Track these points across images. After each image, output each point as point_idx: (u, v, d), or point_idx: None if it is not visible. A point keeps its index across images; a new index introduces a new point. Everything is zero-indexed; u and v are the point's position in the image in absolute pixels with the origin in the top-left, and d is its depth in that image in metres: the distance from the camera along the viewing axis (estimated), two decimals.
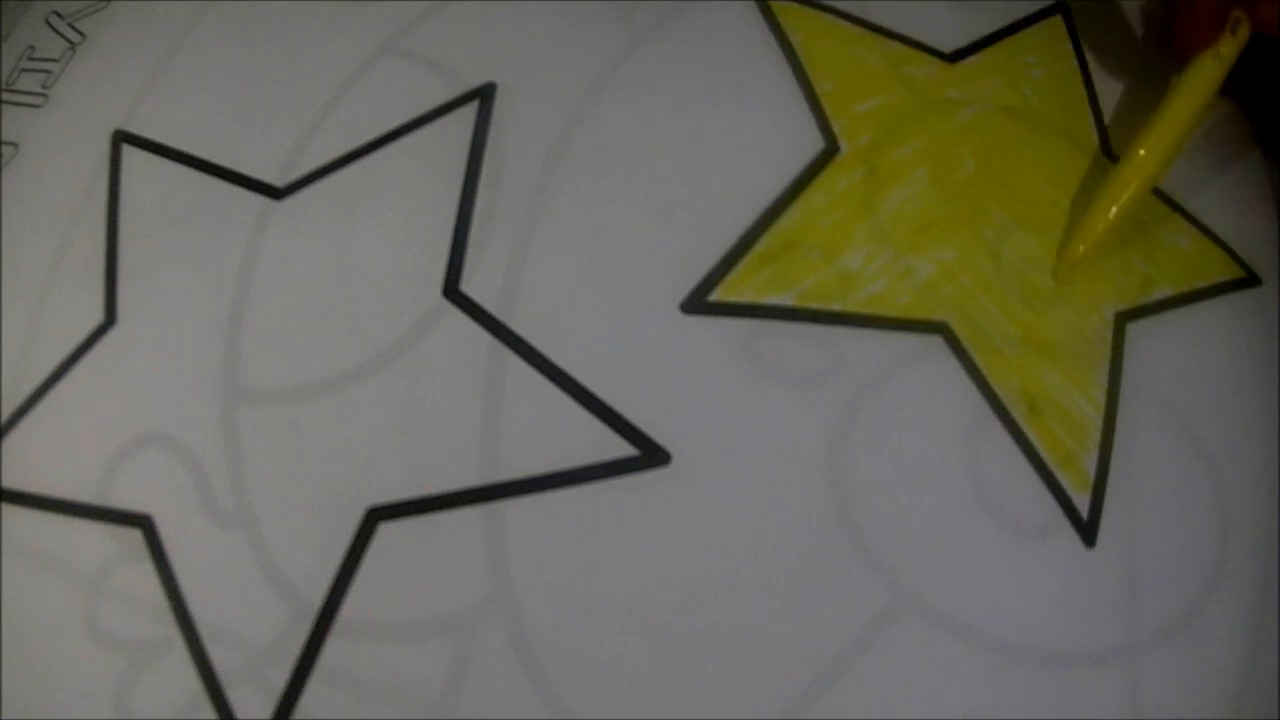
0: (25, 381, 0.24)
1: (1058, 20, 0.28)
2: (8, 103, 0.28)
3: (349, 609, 0.21)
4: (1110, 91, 0.27)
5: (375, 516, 0.22)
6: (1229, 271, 0.26)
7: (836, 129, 0.24)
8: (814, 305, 0.23)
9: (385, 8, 0.26)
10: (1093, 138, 0.26)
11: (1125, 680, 0.22)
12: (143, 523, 0.22)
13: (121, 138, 0.26)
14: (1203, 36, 0.25)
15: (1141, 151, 0.24)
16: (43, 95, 0.27)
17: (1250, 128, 0.28)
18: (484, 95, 0.24)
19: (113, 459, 0.23)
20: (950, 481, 0.22)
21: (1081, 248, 0.24)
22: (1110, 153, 0.26)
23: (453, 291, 0.23)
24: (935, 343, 0.23)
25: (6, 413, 0.24)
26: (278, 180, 0.24)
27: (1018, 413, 0.22)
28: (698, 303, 0.22)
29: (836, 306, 0.23)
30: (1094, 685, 0.21)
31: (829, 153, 0.24)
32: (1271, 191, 0.28)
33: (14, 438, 0.24)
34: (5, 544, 0.23)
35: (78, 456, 0.23)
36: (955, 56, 0.26)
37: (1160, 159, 0.24)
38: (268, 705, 0.21)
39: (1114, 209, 0.24)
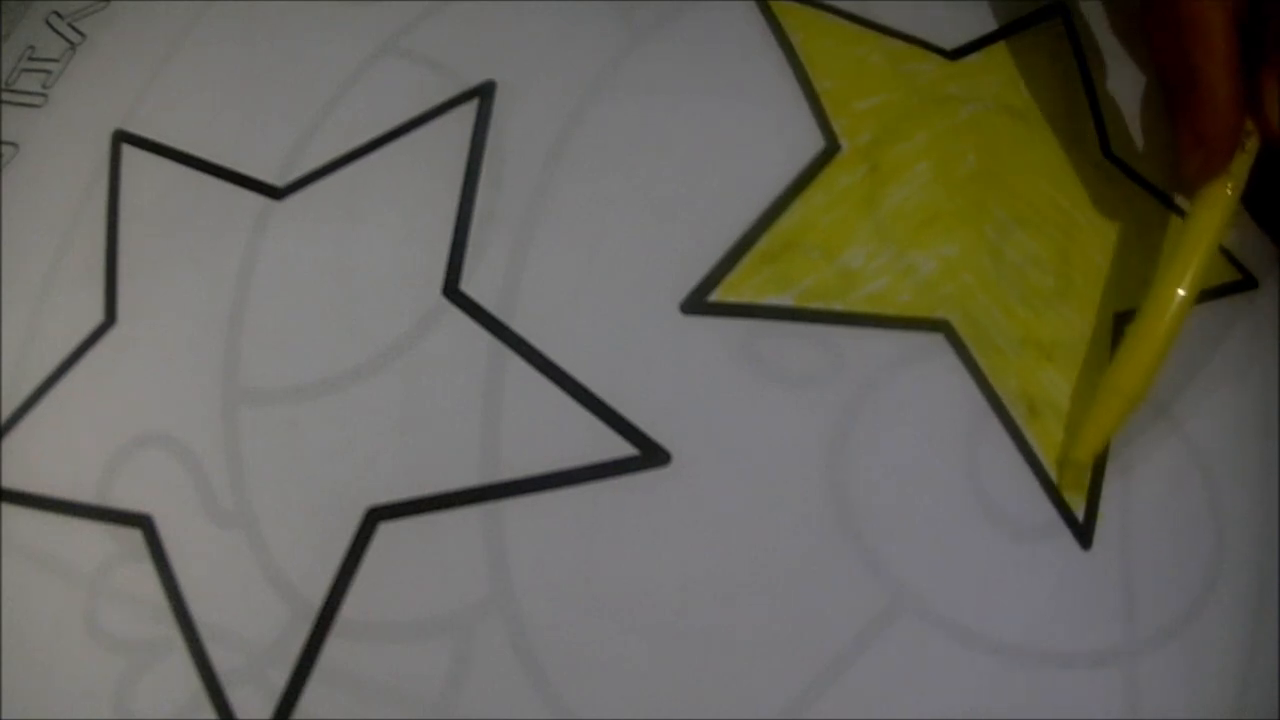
0: (25, 381, 0.24)
1: (1058, 20, 0.28)
2: (8, 103, 0.28)
3: (349, 609, 0.21)
4: (1110, 91, 0.27)
5: (375, 516, 0.22)
6: (1226, 274, 0.26)
7: (837, 128, 0.24)
8: (814, 305, 0.23)
9: (385, 8, 0.26)
10: (1093, 138, 0.26)
11: (1124, 680, 0.22)
12: (143, 523, 0.23)
13: (121, 138, 0.26)
14: (1215, 168, 0.23)
15: (1154, 320, 0.22)
16: (43, 95, 0.27)
17: None
18: (483, 94, 0.24)
19: (113, 459, 0.23)
20: (950, 482, 0.22)
21: (1093, 452, 0.22)
22: (1110, 153, 0.26)
23: (453, 291, 0.23)
24: (937, 341, 0.23)
25: (6, 413, 0.24)
26: (278, 180, 0.24)
27: (1017, 414, 0.22)
28: (698, 303, 0.22)
29: (837, 306, 0.23)
30: (1092, 686, 0.21)
31: (829, 151, 0.24)
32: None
33: (14, 438, 0.24)
34: (5, 544, 0.23)
35: (78, 456, 0.23)
36: (956, 54, 0.26)
37: (1176, 321, 0.22)
38: (268, 705, 0.21)
39: (1132, 389, 0.22)
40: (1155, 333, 0.22)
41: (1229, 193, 0.23)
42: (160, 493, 0.23)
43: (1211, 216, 0.23)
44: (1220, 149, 0.23)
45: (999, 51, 0.27)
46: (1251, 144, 0.23)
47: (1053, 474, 0.22)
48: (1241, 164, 0.23)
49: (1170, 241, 0.23)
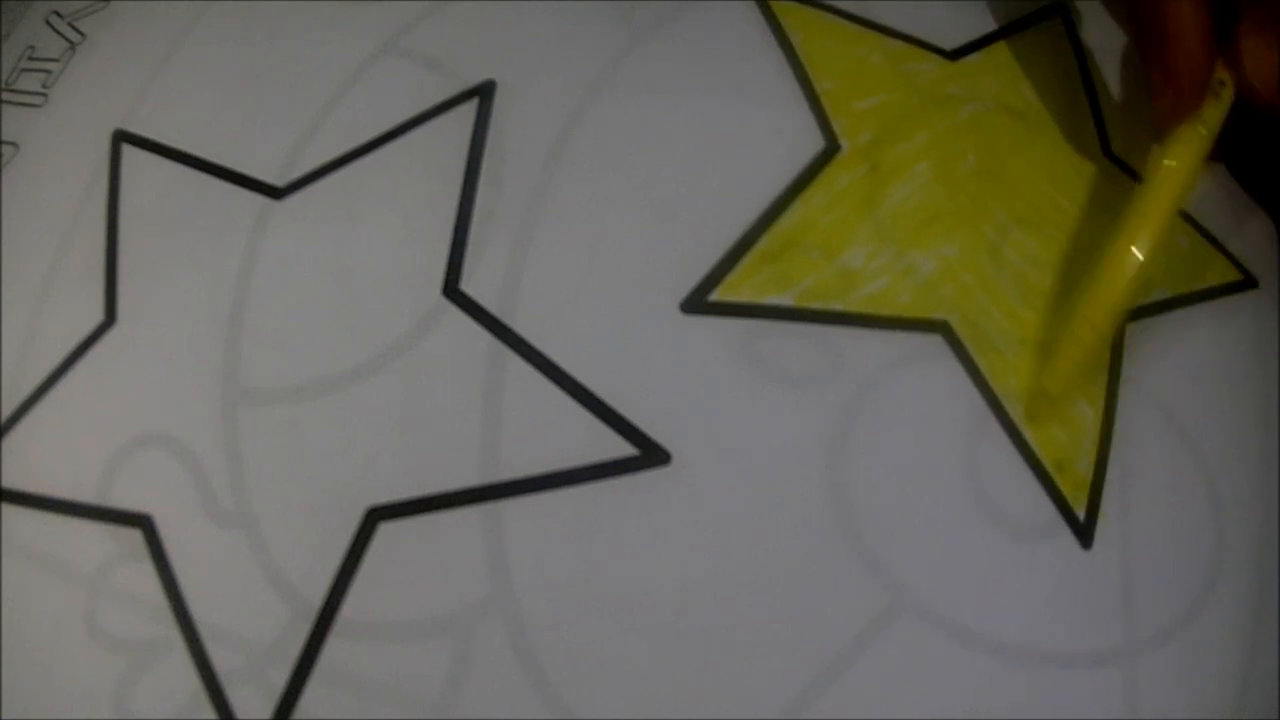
0: (25, 381, 0.24)
1: (1058, 20, 0.28)
2: (8, 103, 0.28)
3: (349, 609, 0.21)
4: (1110, 91, 0.27)
5: (375, 516, 0.22)
6: (1226, 274, 0.26)
7: (837, 128, 0.24)
8: (814, 305, 0.23)
9: (385, 8, 0.26)
10: (1093, 138, 0.26)
11: (1124, 680, 0.22)
12: (143, 523, 0.23)
13: (121, 137, 0.26)
14: (1184, 108, 0.23)
15: (1124, 251, 0.22)
16: (43, 95, 0.27)
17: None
18: (483, 93, 0.24)
19: (113, 459, 0.23)
20: (950, 483, 0.22)
21: (1061, 379, 0.22)
22: (1110, 153, 0.26)
23: (453, 291, 0.23)
24: (936, 342, 0.23)
25: (6, 413, 0.24)
26: (278, 180, 0.24)
27: (1017, 414, 0.22)
28: (698, 303, 0.22)
29: (837, 306, 0.23)
30: (1092, 686, 0.21)
31: (830, 151, 0.24)
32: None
33: (14, 438, 0.24)
34: (5, 544, 0.23)
35: (78, 456, 0.23)
36: (956, 54, 0.26)
37: (1146, 253, 0.22)
38: (268, 705, 0.21)
39: (1101, 319, 0.22)
40: (1124, 264, 0.22)
41: (1201, 136, 0.23)
42: (160, 493, 0.23)
43: (1183, 154, 0.23)
44: (1191, 88, 0.23)
45: (999, 51, 0.27)
46: (1226, 94, 0.24)
47: (1053, 474, 0.22)
48: (1214, 111, 0.24)
49: (1146, 180, 0.24)
